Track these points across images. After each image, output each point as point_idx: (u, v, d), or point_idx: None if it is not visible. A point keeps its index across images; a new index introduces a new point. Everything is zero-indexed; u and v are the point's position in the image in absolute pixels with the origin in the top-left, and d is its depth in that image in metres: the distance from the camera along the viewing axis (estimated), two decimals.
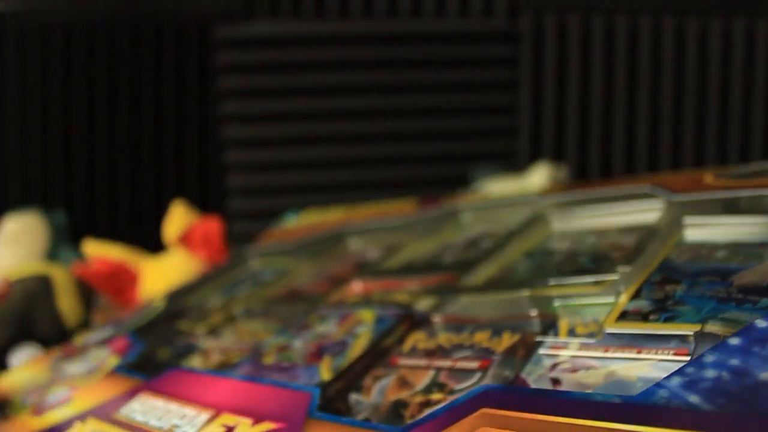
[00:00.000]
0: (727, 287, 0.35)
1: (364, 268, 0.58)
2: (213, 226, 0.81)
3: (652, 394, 0.26)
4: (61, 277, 0.74)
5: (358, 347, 0.41)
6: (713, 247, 0.41)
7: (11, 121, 0.93)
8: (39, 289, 0.71)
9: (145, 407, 0.40)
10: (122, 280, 0.79)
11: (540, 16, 0.97)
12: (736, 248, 0.40)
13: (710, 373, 0.26)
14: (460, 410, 0.29)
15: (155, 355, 0.51)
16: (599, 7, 0.96)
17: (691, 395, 0.26)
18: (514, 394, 0.29)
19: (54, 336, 0.69)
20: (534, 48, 0.97)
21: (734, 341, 0.27)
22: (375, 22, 0.97)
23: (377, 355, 0.40)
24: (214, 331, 0.55)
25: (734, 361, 0.26)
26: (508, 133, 0.99)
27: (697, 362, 0.27)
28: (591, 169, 0.98)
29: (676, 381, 0.27)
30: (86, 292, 0.75)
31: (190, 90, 0.96)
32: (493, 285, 0.45)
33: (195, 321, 0.57)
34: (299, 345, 0.44)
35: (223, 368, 0.45)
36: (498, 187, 0.87)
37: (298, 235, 0.71)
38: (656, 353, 0.32)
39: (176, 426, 0.37)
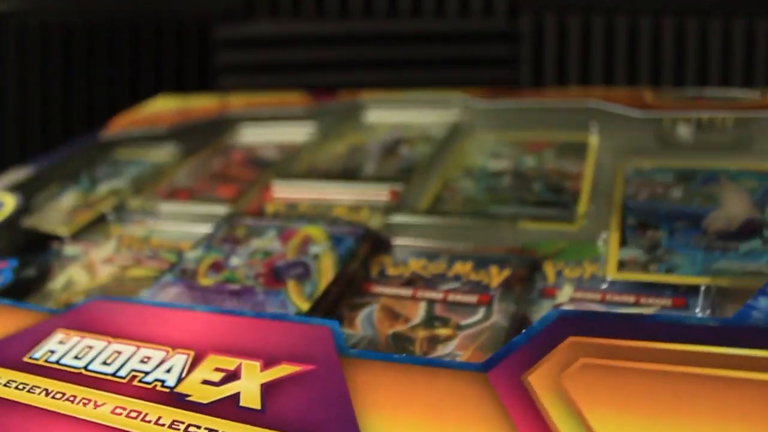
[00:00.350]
0: (704, 234, 0.37)
1: (265, 169, 0.54)
2: None
3: (747, 317, 0.26)
4: None
5: (325, 271, 0.38)
6: (663, 183, 0.44)
7: (11, 121, 0.93)
8: None
9: (72, 347, 0.32)
10: None
11: (540, 16, 0.97)
12: (685, 186, 0.43)
13: None
14: (543, 341, 0.27)
15: (26, 273, 0.44)
16: (599, 7, 0.96)
17: None
18: (596, 320, 0.27)
19: None
20: (534, 48, 0.97)
21: None
22: (375, 22, 0.97)
23: (347, 282, 0.38)
24: (80, 236, 0.48)
25: None
26: None
27: None
28: None
29: (764, 302, 0.27)
30: None
31: (190, 90, 0.96)
32: (450, 209, 0.45)
33: (52, 221, 0.50)
34: (239, 262, 0.40)
35: (143, 289, 0.38)
36: None
37: (165, 122, 0.64)
38: (655, 300, 0.34)
39: (139, 372, 0.29)
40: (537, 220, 0.42)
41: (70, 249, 0.46)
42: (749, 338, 0.25)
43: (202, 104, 0.69)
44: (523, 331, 0.28)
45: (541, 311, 0.34)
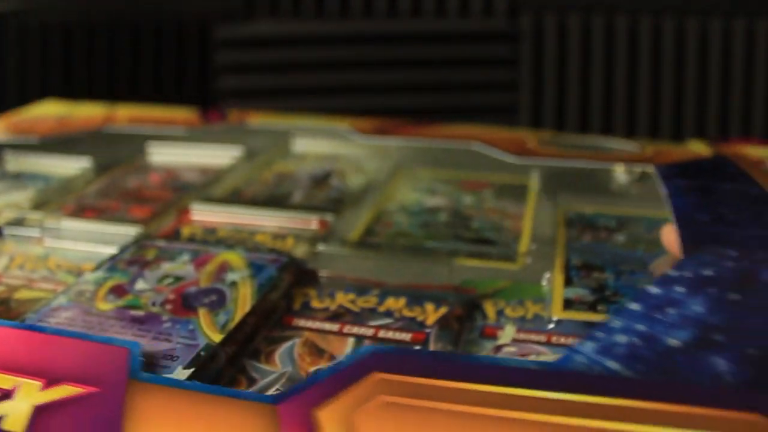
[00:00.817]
0: (649, 277, 0.37)
1: (185, 191, 0.51)
2: None
3: (569, 360, 0.25)
4: None
5: (242, 300, 0.35)
6: (605, 228, 0.44)
7: None
8: None
9: None
10: None
11: (540, 16, 0.97)
12: (629, 233, 0.43)
13: (622, 339, 0.26)
14: (347, 376, 0.25)
15: None
16: (599, 7, 0.96)
17: (609, 360, 0.25)
18: (409, 357, 0.26)
19: None
20: (534, 48, 0.97)
21: (635, 306, 0.27)
22: (375, 22, 0.97)
23: (266, 313, 0.36)
24: None
25: (640, 327, 0.26)
26: None
27: (605, 328, 0.26)
28: None
29: (590, 346, 0.25)
30: None
31: (190, 90, 0.96)
32: (382, 242, 0.43)
33: None
34: (145, 287, 0.37)
35: (31, 312, 0.35)
36: None
37: (55, 130, 0.61)
38: None
39: None
40: (476, 258, 0.41)
41: None
42: (568, 382, 0.24)
43: (86, 113, 0.66)
44: (329, 365, 0.26)
45: (482, 352, 0.33)
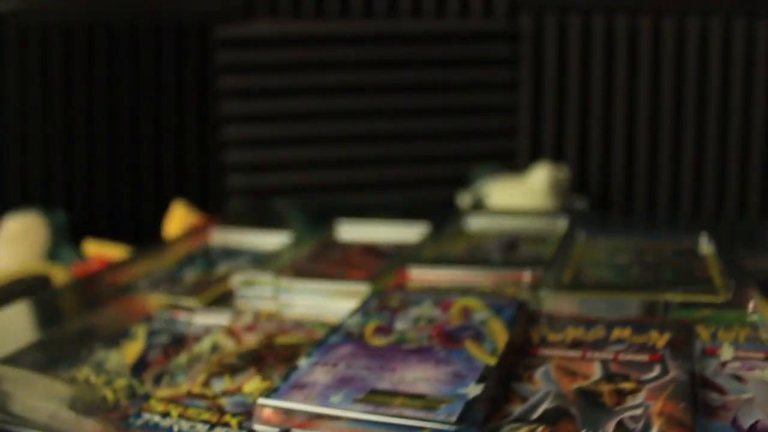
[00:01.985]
0: None
1: (389, 258, 0.57)
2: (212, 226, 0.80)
3: None
4: (61, 277, 0.74)
5: (499, 333, 0.40)
6: None
7: (11, 121, 0.93)
8: (39, 289, 0.71)
9: None
10: None
11: (540, 16, 0.97)
12: None
13: None
14: None
15: None
16: (599, 7, 0.96)
17: None
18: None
19: None
20: (534, 48, 0.97)
21: None
22: (375, 22, 0.97)
23: (518, 344, 0.41)
24: (211, 308, 0.49)
25: None
26: (508, 133, 0.99)
27: None
28: (591, 169, 0.98)
29: None
30: None
31: (190, 90, 0.96)
32: (590, 286, 0.48)
33: (178, 293, 0.51)
34: (406, 327, 0.42)
35: (302, 354, 0.39)
36: (498, 186, 0.87)
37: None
38: None
39: None
40: (681, 293, 0.44)
41: (202, 319, 0.48)
42: None
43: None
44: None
45: (710, 367, 0.37)
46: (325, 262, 0.57)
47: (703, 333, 0.41)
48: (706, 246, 0.56)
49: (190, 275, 0.57)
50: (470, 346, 0.39)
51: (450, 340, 0.40)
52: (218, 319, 0.48)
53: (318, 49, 0.97)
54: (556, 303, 0.45)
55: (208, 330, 0.47)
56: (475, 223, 0.65)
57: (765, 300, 0.42)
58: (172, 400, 0.37)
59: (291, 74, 0.97)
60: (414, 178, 0.99)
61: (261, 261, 0.56)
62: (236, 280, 0.52)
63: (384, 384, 0.35)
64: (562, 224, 0.62)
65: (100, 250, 0.80)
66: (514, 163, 0.97)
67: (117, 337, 0.46)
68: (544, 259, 0.53)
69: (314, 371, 0.37)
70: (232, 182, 0.98)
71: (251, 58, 0.96)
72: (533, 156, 0.97)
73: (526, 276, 0.49)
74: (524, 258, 0.55)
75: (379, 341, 0.40)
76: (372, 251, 0.59)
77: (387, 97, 0.98)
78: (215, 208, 0.94)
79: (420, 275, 0.51)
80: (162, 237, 0.82)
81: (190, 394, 0.38)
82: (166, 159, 0.96)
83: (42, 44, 0.92)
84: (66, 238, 0.89)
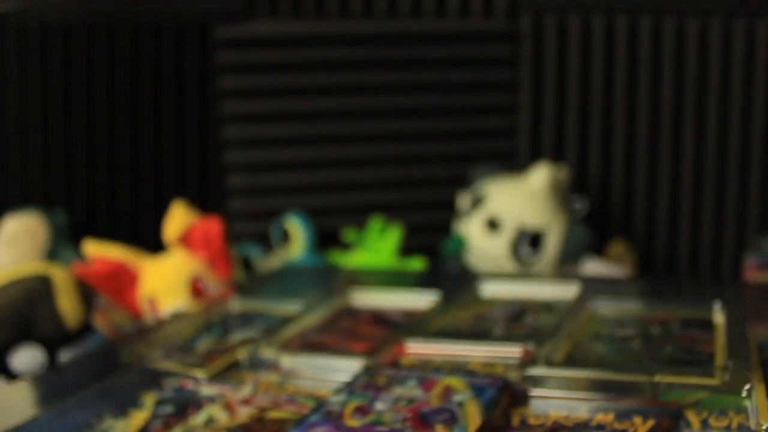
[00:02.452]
0: None
1: (394, 329, 0.58)
2: (213, 226, 0.81)
3: None
4: (61, 277, 0.74)
5: (472, 418, 0.40)
6: None
7: (11, 120, 0.93)
8: (39, 289, 0.71)
9: None
10: (122, 280, 0.79)
11: (540, 16, 0.97)
12: None
13: None
14: None
15: None
16: (599, 7, 0.96)
17: None
18: None
19: (54, 336, 0.69)
20: (534, 48, 0.97)
21: None
22: (375, 22, 0.97)
23: (492, 429, 0.41)
24: (217, 378, 0.52)
25: None
26: (508, 133, 0.99)
27: None
28: (591, 170, 0.98)
29: None
30: (86, 292, 0.75)
31: (190, 90, 0.96)
32: (582, 363, 0.48)
33: (188, 363, 0.54)
34: (384, 407, 0.43)
35: (286, 429, 0.42)
36: (498, 186, 0.87)
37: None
38: None
39: None
40: (675, 375, 0.43)
41: (206, 390, 0.50)
42: None
43: None
44: None
45: None
46: (332, 332, 0.59)
47: (694, 419, 0.39)
48: (719, 315, 0.55)
49: (205, 343, 0.59)
50: (439, 431, 0.39)
51: (422, 423, 0.40)
52: (221, 390, 0.50)
53: (318, 49, 0.97)
54: (546, 381, 0.45)
55: (210, 401, 0.49)
56: (488, 290, 0.66)
57: (764, 382, 0.41)
58: None
59: (291, 74, 0.97)
60: (414, 178, 0.99)
61: (272, 330, 0.59)
62: (242, 352, 0.54)
63: None
64: (574, 291, 0.63)
65: (100, 250, 0.80)
66: (514, 163, 0.97)
67: (127, 406, 0.48)
68: (545, 333, 0.53)
69: None
70: (232, 182, 0.98)
71: (251, 58, 0.96)
72: (533, 156, 0.97)
73: (521, 352, 0.50)
74: (525, 331, 0.56)
75: (354, 422, 0.41)
76: (381, 320, 0.61)
77: (387, 97, 0.98)
78: (215, 208, 0.94)
79: (418, 349, 0.53)
80: (162, 238, 0.82)
81: None
82: (166, 159, 0.96)
83: (42, 44, 0.92)
84: (66, 238, 0.89)
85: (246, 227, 0.97)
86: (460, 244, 0.86)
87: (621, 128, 0.98)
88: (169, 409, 0.47)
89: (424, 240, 0.94)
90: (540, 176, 0.85)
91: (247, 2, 0.96)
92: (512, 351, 0.50)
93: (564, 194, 0.87)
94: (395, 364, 0.51)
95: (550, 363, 0.47)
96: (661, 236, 0.98)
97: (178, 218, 0.82)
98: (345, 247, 0.92)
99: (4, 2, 0.91)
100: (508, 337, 0.54)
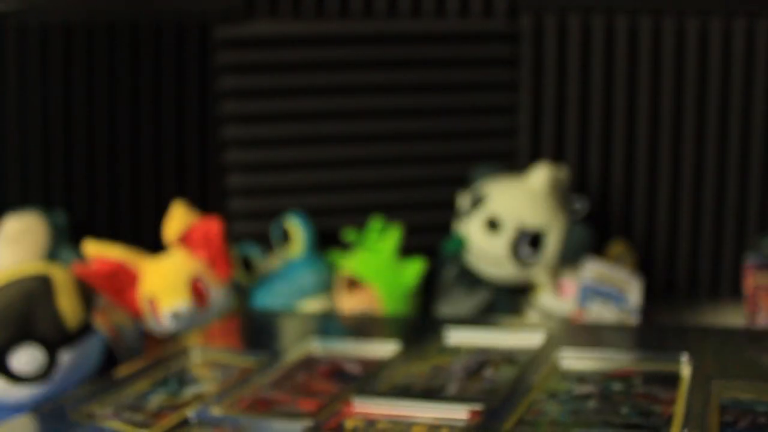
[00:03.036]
0: None
1: (348, 384, 0.58)
2: (213, 226, 0.81)
3: None
4: (61, 277, 0.74)
5: None
6: (764, 413, 0.44)
7: (11, 121, 0.93)
8: (39, 289, 0.71)
9: None
10: (122, 280, 0.79)
11: (540, 16, 0.97)
12: None
13: None
14: None
15: None
16: (599, 7, 0.96)
17: None
18: None
19: (54, 336, 0.69)
20: (534, 48, 0.97)
21: None
22: (375, 22, 0.97)
23: None
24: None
25: None
26: (508, 133, 0.99)
27: None
28: (591, 169, 0.98)
29: None
30: (86, 292, 0.75)
31: (190, 90, 0.96)
32: (527, 429, 0.46)
33: (137, 422, 0.55)
34: None
35: None
36: (498, 186, 0.87)
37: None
38: None
39: None
40: None
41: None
42: None
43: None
44: None
45: None
46: (286, 387, 0.58)
47: None
48: (685, 367, 0.54)
49: (157, 399, 0.59)
50: None
51: None
52: None
53: (318, 49, 0.97)
54: None
55: None
56: (453, 338, 0.65)
57: None
58: None
59: (291, 74, 0.97)
60: (414, 178, 0.99)
61: (226, 385, 0.58)
62: (191, 410, 0.54)
63: None
64: (539, 340, 0.61)
65: (100, 250, 0.80)
66: (514, 163, 0.97)
67: None
68: (500, 391, 0.52)
69: None
70: (232, 182, 0.98)
71: (251, 58, 0.96)
72: (533, 156, 0.97)
73: (469, 414, 0.49)
74: (481, 387, 0.55)
75: None
76: (338, 373, 0.61)
77: (387, 97, 0.98)
78: (215, 208, 0.94)
79: (365, 408, 0.52)
80: (162, 238, 0.82)
81: None
82: (166, 159, 0.96)
83: (42, 44, 0.92)
84: (66, 238, 0.89)
85: (246, 227, 0.97)
86: (460, 244, 0.86)
87: (621, 128, 0.98)
88: None
89: (424, 240, 0.94)
90: (540, 176, 0.85)
91: (247, 2, 0.96)
92: (460, 413, 0.49)
93: (564, 194, 0.87)
94: (338, 427, 0.50)
95: (494, 430, 0.46)
96: (661, 236, 0.98)
97: (178, 218, 0.82)
98: (345, 247, 0.92)
99: (4, 2, 0.91)
100: (460, 397, 0.53)
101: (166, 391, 0.60)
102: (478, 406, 0.49)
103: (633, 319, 0.80)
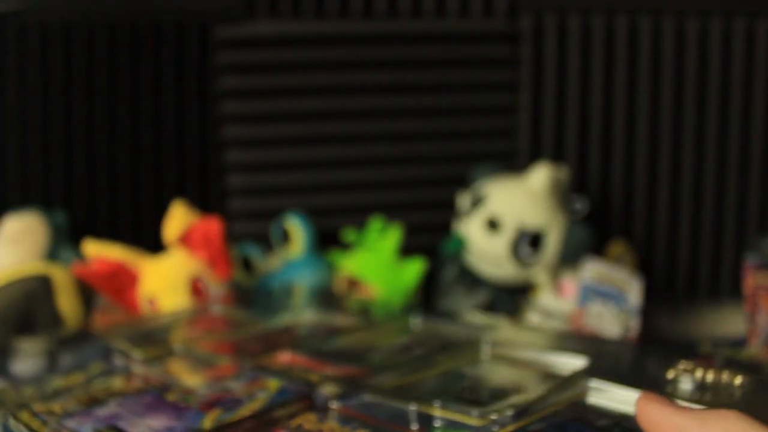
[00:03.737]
0: None
1: (299, 341, 0.61)
2: (213, 226, 0.81)
3: None
4: (61, 277, 0.74)
5: (249, 408, 0.44)
6: (601, 413, 0.44)
7: (11, 121, 0.93)
8: (39, 289, 0.71)
9: None
10: (122, 280, 0.79)
11: (540, 16, 0.97)
12: (623, 419, 0.43)
13: None
14: None
15: None
16: (599, 7, 0.96)
17: None
18: None
19: (54, 336, 0.69)
20: (534, 48, 0.97)
21: None
22: (375, 22, 0.97)
23: (264, 422, 0.44)
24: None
25: None
26: (508, 133, 0.99)
27: None
28: (591, 169, 0.98)
29: None
30: (86, 292, 0.75)
31: (190, 90, 0.96)
32: (393, 392, 0.48)
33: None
34: (204, 392, 0.48)
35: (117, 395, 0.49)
36: (498, 186, 0.87)
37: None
38: None
39: None
40: (447, 411, 0.44)
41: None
42: None
43: None
44: None
45: None
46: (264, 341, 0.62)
47: None
48: None
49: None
50: (212, 412, 0.44)
51: (210, 405, 0.45)
52: None
53: (318, 49, 0.97)
54: (353, 401, 0.47)
55: None
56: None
57: None
58: None
59: (291, 74, 0.97)
60: (414, 178, 0.99)
61: None
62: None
63: None
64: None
65: (100, 250, 0.80)
66: (514, 163, 0.97)
67: None
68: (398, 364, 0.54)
69: None
70: (232, 182, 0.98)
71: (251, 58, 0.96)
72: (533, 156, 0.97)
73: (356, 371, 0.52)
74: (387, 361, 0.56)
75: (171, 396, 0.47)
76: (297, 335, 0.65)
77: (387, 97, 0.98)
78: (215, 208, 0.94)
79: (287, 358, 0.56)
80: (162, 238, 0.82)
81: None
82: (166, 159, 0.96)
83: (42, 44, 0.92)
84: (66, 238, 0.89)
85: (246, 227, 0.97)
86: (460, 244, 0.86)
87: (621, 128, 0.98)
88: None
89: (424, 240, 0.94)
90: (540, 176, 0.85)
91: (247, 2, 0.96)
92: (349, 369, 0.52)
93: (564, 194, 0.87)
94: (263, 367, 0.53)
95: (365, 387, 0.49)
96: (661, 236, 0.98)
97: (178, 218, 0.82)
98: (345, 247, 0.92)
99: (4, 2, 0.91)
100: (359, 360, 0.55)
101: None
102: (366, 369, 0.52)
103: (633, 320, 0.80)
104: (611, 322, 0.79)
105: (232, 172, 0.98)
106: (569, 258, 0.84)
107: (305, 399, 0.47)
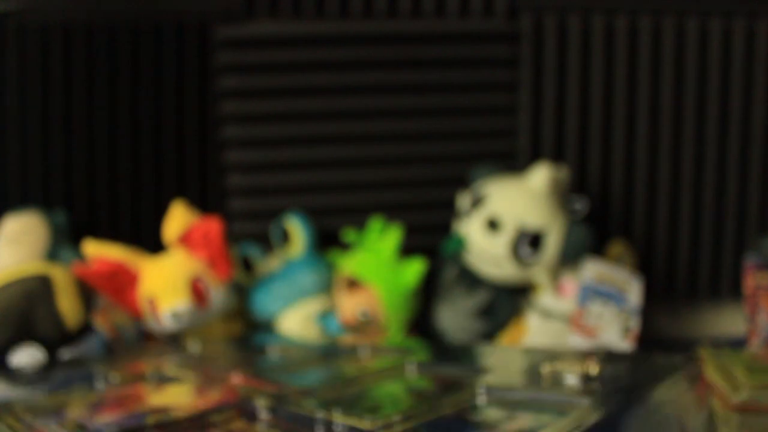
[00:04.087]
0: None
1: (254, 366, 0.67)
2: (213, 226, 0.81)
3: None
4: (61, 277, 0.74)
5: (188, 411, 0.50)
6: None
7: (11, 120, 0.93)
8: (39, 289, 0.71)
9: None
10: (122, 280, 0.79)
11: (540, 16, 0.97)
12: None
13: None
14: None
15: None
16: (599, 7, 0.96)
17: None
18: None
19: (54, 336, 0.69)
20: (534, 48, 0.97)
21: None
22: (375, 22, 0.97)
23: (201, 425, 0.49)
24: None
25: None
26: (508, 133, 0.99)
27: None
28: (591, 169, 0.98)
29: None
30: (86, 292, 0.75)
31: (190, 90, 0.96)
32: (308, 403, 0.53)
33: None
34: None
35: None
36: (498, 186, 0.87)
37: None
38: None
39: None
40: (346, 418, 0.49)
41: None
42: None
43: None
44: None
45: None
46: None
47: None
48: None
49: None
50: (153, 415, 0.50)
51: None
52: None
53: (318, 49, 0.97)
54: (281, 412, 0.51)
55: None
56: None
57: None
58: None
59: (291, 74, 0.97)
60: (414, 178, 0.99)
61: None
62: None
63: None
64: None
65: (100, 250, 0.80)
66: (514, 164, 0.97)
67: None
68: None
69: None
70: (232, 182, 0.98)
71: (251, 58, 0.96)
72: (533, 156, 0.97)
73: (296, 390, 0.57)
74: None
75: None
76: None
77: (387, 97, 0.98)
78: (215, 208, 0.94)
79: (238, 380, 0.62)
80: (162, 238, 0.82)
81: None
82: (166, 159, 0.96)
83: (42, 44, 0.92)
84: (66, 238, 0.89)
85: (246, 227, 0.97)
86: (460, 244, 0.86)
87: (621, 128, 0.98)
88: None
89: (424, 240, 0.94)
90: (540, 176, 0.85)
91: (247, 2, 0.96)
92: (290, 388, 0.58)
93: (564, 194, 0.87)
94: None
95: (294, 401, 0.53)
96: (661, 236, 0.98)
97: (178, 218, 0.82)
98: (345, 247, 0.92)
99: (4, 2, 0.91)
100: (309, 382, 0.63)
101: None
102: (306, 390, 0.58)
103: (633, 320, 0.80)
104: (611, 322, 0.79)
105: (232, 172, 0.98)
106: (569, 258, 0.84)
107: (237, 409, 0.52)
